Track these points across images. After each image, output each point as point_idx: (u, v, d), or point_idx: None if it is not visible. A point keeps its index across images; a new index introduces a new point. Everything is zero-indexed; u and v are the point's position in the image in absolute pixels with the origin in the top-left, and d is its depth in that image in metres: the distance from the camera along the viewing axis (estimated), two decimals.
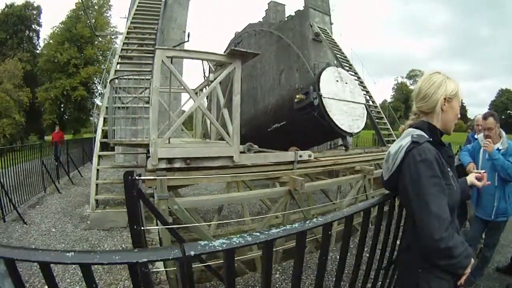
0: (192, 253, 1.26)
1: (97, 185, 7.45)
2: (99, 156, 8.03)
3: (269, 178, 6.91)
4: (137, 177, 2.94)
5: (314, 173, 8.71)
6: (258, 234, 1.45)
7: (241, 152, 6.39)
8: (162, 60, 5.56)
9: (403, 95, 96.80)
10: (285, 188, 6.60)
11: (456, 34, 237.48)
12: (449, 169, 1.92)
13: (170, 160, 5.55)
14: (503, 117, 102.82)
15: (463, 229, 6.24)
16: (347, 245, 2.13)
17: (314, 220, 1.79)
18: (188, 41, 13.44)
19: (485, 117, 4.48)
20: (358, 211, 2.12)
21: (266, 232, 1.47)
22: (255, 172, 6.53)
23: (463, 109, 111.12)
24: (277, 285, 4.46)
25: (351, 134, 10.18)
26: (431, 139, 1.89)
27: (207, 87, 9.13)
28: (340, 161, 8.53)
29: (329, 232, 1.87)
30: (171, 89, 7.88)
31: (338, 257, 2.31)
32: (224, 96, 7.43)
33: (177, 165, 5.62)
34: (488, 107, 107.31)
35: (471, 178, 2.48)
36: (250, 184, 7.34)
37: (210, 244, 1.32)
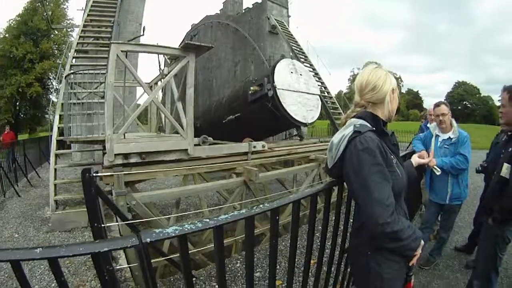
0: (148, 240, 1.34)
1: (55, 185, 7.31)
2: (56, 155, 7.83)
3: (224, 169, 6.99)
4: (94, 174, 2.96)
5: (270, 163, 8.79)
6: (207, 220, 1.53)
7: (196, 145, 6.43)
8: (117, 55, 5.51)
9: None
10: (240, 179, 6.70)
11: (415, 29, 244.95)
12: (392, 156, 1.98)
13: (126, 156, 5.51)
14: (459, 107, 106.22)
15: (419, 213, 6.61)
16: (297, 228, 2.16)
17: (261, 206, 1.85)
18: (143, 35, 13.30)
19: (437, 104, 4.61)
20: (305, 197, 2.17)
21: (215, 218, 1.56)
22: (210, 164, 6.58)
23: (419, 100, 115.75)
24: (238, 274, 4.55)
25: (305, 124, 10.37)
26: (374, 128, 1.95)
27: (161, 80, 9.04)
28: (294, 151, 8.65)
29: (277, 217, 1.91)
30: (126, 83, 7.82)
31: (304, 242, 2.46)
32: (178, 89, 7.41)
33: (133, 160, 5.59)
34: (444, 98, 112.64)
35: (415, 159, 2.63)
36: (206, 176, 7.41)
37: (164, 231, 1.41)
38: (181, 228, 1.45)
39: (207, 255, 6.66)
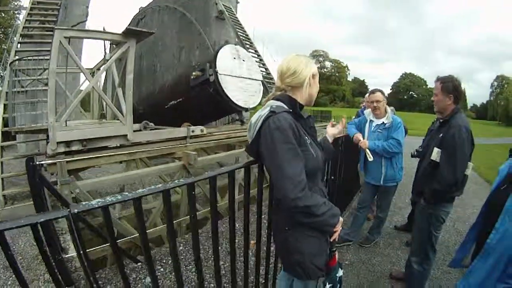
0: (76, 210, 1.48)
1: (2, 179, 7.18)
2: (2, 148, 7.66)
3: (164, 154, 7.00)
4: (37, 163, 3.03)
5: (211, 148, 8.89)
6: (127, 193, 1.68)
7: (137, 131, 6.50)
8: (60, 41, 5.45)
9: None
10: (180, 163, 6.75)
11: (366, 23, 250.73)
12: (307, 137, 2.06)
13: (68, 143, 5.49)
14: (405, 97, 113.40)
15: (358, 194, 6.93)
16: (215, 206, 2.24)
17: (176, 181, 1.95)
18: (85, 20, 13.13)
19: (373, 91, 4.79)
20: (222, 173, 2.23)
21: (134, 192, 1.69)
22: (150, 150, 6.63)
23: (365, 88, 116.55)
24: (181, 256, 4.59)
25: (246, 109, 10.56)
26: (290, 110, 2.03)
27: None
28: (234, 134, 8.80)
29: (193, 192, 2.02)
30: (70, 70, 7.53)
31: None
32: (119, 76, 7.44)
33: (75, 147, 5.57)
34: (391, 88, 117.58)
35: (330, 132, 2.72)
36: (148, 162, 7.45)
37: (90, 203, 1.55)
38: (103, 200, 1.59)
39: (154, 240, 6.68)
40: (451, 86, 3.37)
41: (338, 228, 2.10)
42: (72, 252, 4.47)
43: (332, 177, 4.80)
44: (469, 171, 3.38)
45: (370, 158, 4.51)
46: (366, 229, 5.40)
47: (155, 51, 15.53)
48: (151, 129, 6.97)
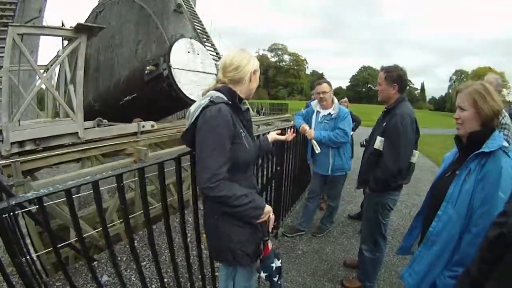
0: (13, 202, 1.57)
1: None
2: None
3: (115, 151, 6.88)
4: None
5: (166, 142, 8.75)
6: (58, 186, 1.75)
7: (90, 128, 6.47)
8: (13, 38, 5.39)
9: (262, 66, 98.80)
10: (131, 159, 6.66)
11: (325, 17, 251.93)
12: (242, 130, 2.10)
13: (21, 143, 5.46)
14: (363, 89, 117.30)
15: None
16: (144, 193, 2.30)
17: (104, 173, 2.01)
18: (39, 16, 12.95)
19: (319, 83, 4.74)
20: (150, 165, 2.30)
21: (64, 184, 1.77)
22: (101, 146, 6.55)
23: None
24: (138, 250, 4.30)
25: None
26: (229, 102, 2.07)
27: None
28: (184, 128, 8.57)
29: (121, 184, 2.06)
30: (25, 67, 7.77)
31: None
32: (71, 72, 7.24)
33: (28, 147, 5.55)
34: (349, 81, 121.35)
35: (271, 135, 2.75)
36: (103, 159, 7.20)
37: (25, 196, 1.66)
38: (37, 191, 1.68)
39: (112, 238, 6.40)
40: (395, 75, 3.38)
41: (265, 218, 2.14)
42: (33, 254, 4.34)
43: (278, 168, 4.71)
44: (415, 159, 3.42)
45: (318, 150, 4.53)
46: (319, 219, 5.39)
47: (113, 45, 14.98)
48: (104, 126, 7.02)
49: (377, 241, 3.64)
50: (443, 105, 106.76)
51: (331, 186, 5.05)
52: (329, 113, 4.67)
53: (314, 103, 4.94)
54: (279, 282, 2.32)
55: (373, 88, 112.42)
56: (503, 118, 4.00)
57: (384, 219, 3.57)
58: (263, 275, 2.26)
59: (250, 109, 2.73)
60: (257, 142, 2.49)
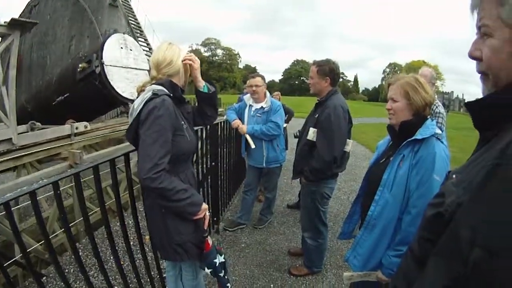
0: None
1: None
2: None
3: (50, 156, 6.63)
4: None
5: (100, 144, 8.52)
6: None
7: (23, 133, 6.23)
8: None
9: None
10: (66, 164, 6.15)
11: (259, 10, 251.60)
12: (183, 122, 2.15)
13: None
14: (296, 82, 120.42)
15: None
16: (62, 207, 2.12)
17: (40, 181, 2.04)
18: None
19: (253, 76, 4.76)
20: (91, 167, 2.25)
21: (2, 197, 1.70)
22: (36, 152, 6.31)
23: None
24: (84, 259, 4.20)
25: (133, 101, 10.32)
26: (171, 95, 2.10)
27: None
28: (118, 128, 8.55)
29: (58, 191, 1.97)
30: None
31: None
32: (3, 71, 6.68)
33: None
34: (282, 74, 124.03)
35: None
36: (39, 166, 6.85)
37: None
38: None
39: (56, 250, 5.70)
40: (327, 69, 3.43)
41: (201, 215, 2.18)
42: None
43: (213, 164, 4.73)
44: (349, 147, 3.51)
45: (253, 145, 4.59)
46: (258, 211, 5.44)
47: (46, 42, 14.46)
48: (38, 129, 6.79)
49: (319, 229, 3.75)
50: (377, 96, 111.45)
51: (267, 178, 5.13)
52: (262, 106, 4.74)
53: (247, 97, 4.98)
54: (225, 277, 2.40)
55: (305, 81, 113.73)
56: (436, 107, 4.32)
57: (322, 207, 3.69)
58: (207, 271, 2.30)
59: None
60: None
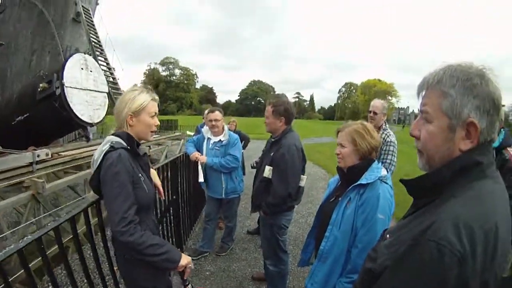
0: None
1: None
2: None
3: (12, 184, 6.51)
4: None
5: (60, 170, 8.37)
6: None
7: None
8: None
9: (153, 81, 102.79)
10: (29, 193, 6.09)
11: (216, 30, 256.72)
12: (141, 174, 2.15)
13: None
14: (253, 103, 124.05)
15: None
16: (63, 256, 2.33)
17: (25, 238, 1.86)
18: None
19: (212, 111, 4.88)
20: (64, 221, 2.24)
21: None
22: None
23: (213, 95, 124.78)
24: None
25: (91, 124, 10.26)
26: (128, 147, 2.10)
27: None
28: (79, 156, 8.48)
29: (41, 246, 2.01)
30: None
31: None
32: None
33: None
34: (238, 95, 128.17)
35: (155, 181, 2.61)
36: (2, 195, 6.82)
37: None
38: None
39: (24, 282, 5.40)
40: (282, 109, 3.57)
41: (182, 266, 2.17)
42: None
43: (174, 197, 4.82)
44: (303, 182, 3.71)
45: (201, 179, 4.76)
46: (220, 238, 5.57)
47: (8, 54, 14.65)
48: None
49: (279, 256, 3.89)
50: (333, 114, 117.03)
51: (227, 208, 5.24)
52: (220, 140, 4.87)
53: (205, 130, 5.09)
54: None
55: (262, 101, 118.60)
56: (388, 136, 4.54)
57: (281, 237, 3.86)
58: None
59: (147, 152, 2.73)
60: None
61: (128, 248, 2.02)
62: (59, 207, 7.25)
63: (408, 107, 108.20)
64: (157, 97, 2.31)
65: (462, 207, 0.96)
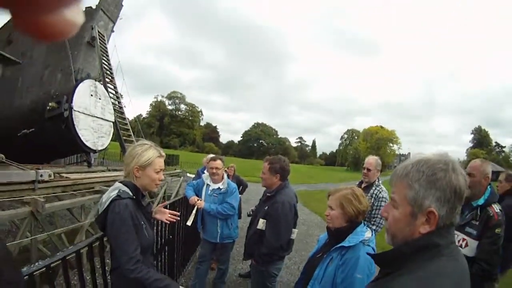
0: None
1: None
2: None
3: (12, 198, 6.67)
4: None
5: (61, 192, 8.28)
6: None
7: None
8: None
9: (159, 113, 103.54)
10: (28, 209, 6.21)
11: (224, 73, 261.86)
12: (143, 222, 2.34)
13: None
14: (255, 145, 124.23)
15: (198, 249, 6.77)
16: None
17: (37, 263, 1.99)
18: None
19: (214, 159, 4.98)
20: (70, 254, 2.41)
21: None
22: (0, 192, 6.34)
23: (216, 134, 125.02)
24: None
25: (94, 151, 10.47)
26: (134, 197, 2.28)
27: None
28: (80, 181, 8.56)
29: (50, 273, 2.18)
30: None
31: None
32: None
33: None
34: (241, 136, 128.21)
35: (157, 215, 2.88)
36: None
37: None
38: None
39: None
40: (278, 167, 3.83)
41: None
42: None
43: (171, 236, 5.04)
44: (294, 235, 3.94)
45: (189, 223, 4.76)
46: (212, 279, 5.61)
47: (22, 61, 14.37)
48: (1, 162, 6.90)
49: None
50: (334, 160, 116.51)
51: (221, 252, 5.33)
52: (219, 187, 4.94)
53: (206, 176, 5.15)
54: None
55: (264, 144, 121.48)
56: (380, 192, 4.66)
57: (271, 284, 4.06)
58: None
59: (151, 203, 3.02)
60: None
61: (134, 283, 2.20)
62: (61, 228, 7.52)
63: (409, 153, 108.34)
64: (163, 154, 2.49)
65: (410, 285, 1.13)
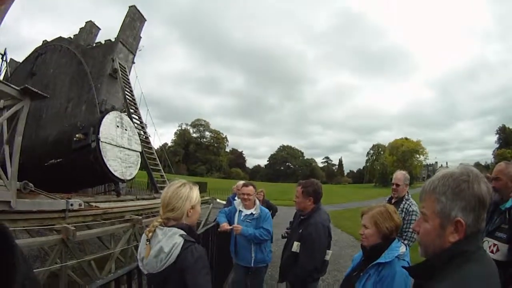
0: None
1: None
2: None
3: (43, 225, 6.78)
4: None
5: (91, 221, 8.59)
6: None
7: (21, 199, 6.21)
8: None
9: (184, 141, 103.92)
10: (59, 237, 6.31)
11: (246, 99, 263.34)
12: None
13: None
14: (282, 168, 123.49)
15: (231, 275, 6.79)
16: None
17: None
18: None
19: (246, 185, 5.05)
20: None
21: None
22: (31, 219, 6.44)
23: (242, 159, 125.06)
24: None
25: (123, 181, 10.64)
26: (194, 240, 2.29)
27: None
28: (111, 210, 8.69)
29: None
30: None
31: None
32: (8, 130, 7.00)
33: None
34: (267, 160, 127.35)
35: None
36: (30, 231, 7.22)
37: None
38: None
39: None
40: (311, 190, 3.93)
41: None
42: None
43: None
44: (328, 256, 4.00)
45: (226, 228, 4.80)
46: None
47: (45, 93, 14.62)
48: (30, 190, 6.91)
49: None
50: (361, 178, 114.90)
51: (254, 276, 5.20)
52: (252, 213, 4.95)
53: (237, 203, 5.21)
54: None
55: (291, 166, 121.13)
56: (410, 206, 4.69)
57: None
58: None
59: None
60: None
61: None
62: (91, 255, 7.64)
63: (436, 162, 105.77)
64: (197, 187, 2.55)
65: None
